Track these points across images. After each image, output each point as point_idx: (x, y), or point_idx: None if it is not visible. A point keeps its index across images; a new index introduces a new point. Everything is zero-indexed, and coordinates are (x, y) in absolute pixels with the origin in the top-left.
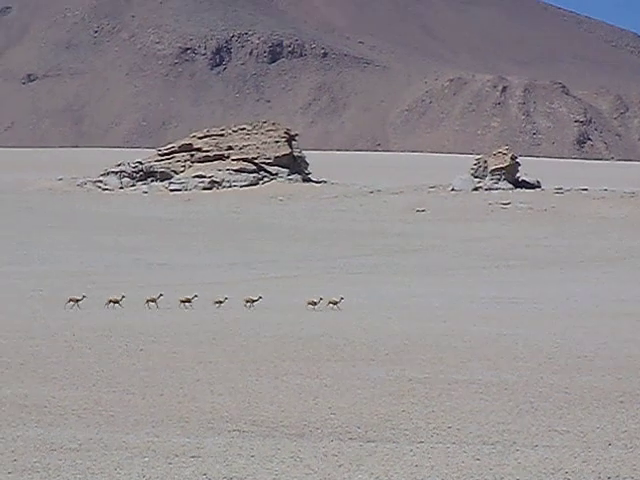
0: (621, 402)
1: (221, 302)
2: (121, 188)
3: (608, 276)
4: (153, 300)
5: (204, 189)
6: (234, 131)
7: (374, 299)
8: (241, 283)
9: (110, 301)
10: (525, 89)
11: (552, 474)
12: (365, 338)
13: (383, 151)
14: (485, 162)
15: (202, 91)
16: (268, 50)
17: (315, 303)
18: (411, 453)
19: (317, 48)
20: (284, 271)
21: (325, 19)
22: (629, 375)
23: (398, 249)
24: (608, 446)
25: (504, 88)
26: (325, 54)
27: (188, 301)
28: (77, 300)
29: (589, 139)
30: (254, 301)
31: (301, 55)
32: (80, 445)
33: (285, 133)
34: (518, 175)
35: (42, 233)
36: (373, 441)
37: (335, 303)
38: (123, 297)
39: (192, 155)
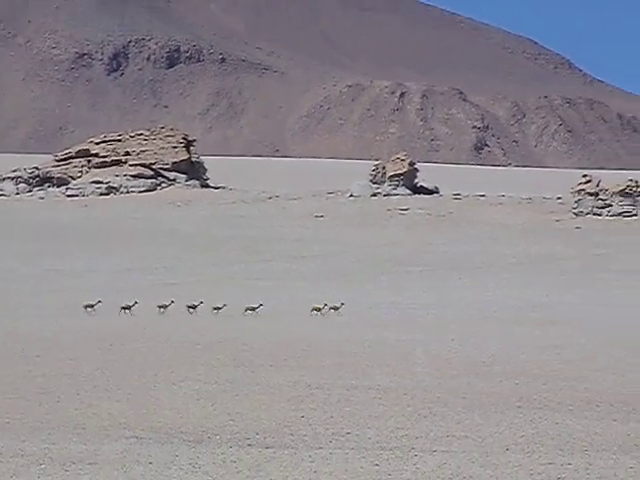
0: (519, 407)
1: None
2: (17, 194)
3: (506, 282)
4: (91, 306)
5: (101, 195)
6: (131, 136)
7: (273, 305)
8: (138, 289)
9: None
10: (423, 95)
11: (450, 479)
12: (264, 344)
13: (281, 157)
14: (383, 168)
15: (99, 96)
16: (166, 55)
17: (319, 309)
18: (310, 459)
19: (215, 54)
20: (183, 277)
21: (223, 25)
22: (526, 380)
23: (297, 255)
24: (506, 451)
25: (402, 94)
26: (223, 60)
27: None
28: None
29: (486, 145)
30: (254, 309)
31: (199, 61)
32: None
33: (183, 139)
34: (416, 181)
35: None
36: (272, 447)
37: (336, 309)
38: None
39: (89, 161)
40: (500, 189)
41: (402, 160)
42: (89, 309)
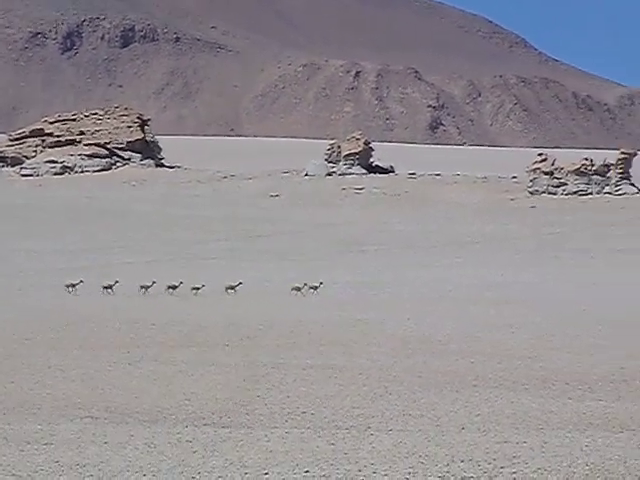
0: (474, 386)
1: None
2: None
3: (461, 261)
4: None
5: (56, 174)
6: (86, 116)
7: (221, 284)
8: (94, 268)
9: None
10: (378, 74)
11: (406, 458)
12: (220, 324)
13: (236, 136)
14: (339, 147)
15: (53, 76)
16: (120, 35)
17: (300, 288)
18: (265, 438)
19: (169, 33)
20: (137, 256)
21: (178, 4)
22: (482, 359)
23: (253, 234)
24: (462, 430)
25: (357, 73)
26: (178, 39)
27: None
28: None
29: (442, 124)
30: (233, 287)
31: (153, 40)
32: None
33: (138, 118)
34: (371, 160)
35: None
36: (227, 427)
37: (315, 288)
38: None
39: (43, 140)
40: (455, 168)
41: (357, 139)
42: (70, 289)
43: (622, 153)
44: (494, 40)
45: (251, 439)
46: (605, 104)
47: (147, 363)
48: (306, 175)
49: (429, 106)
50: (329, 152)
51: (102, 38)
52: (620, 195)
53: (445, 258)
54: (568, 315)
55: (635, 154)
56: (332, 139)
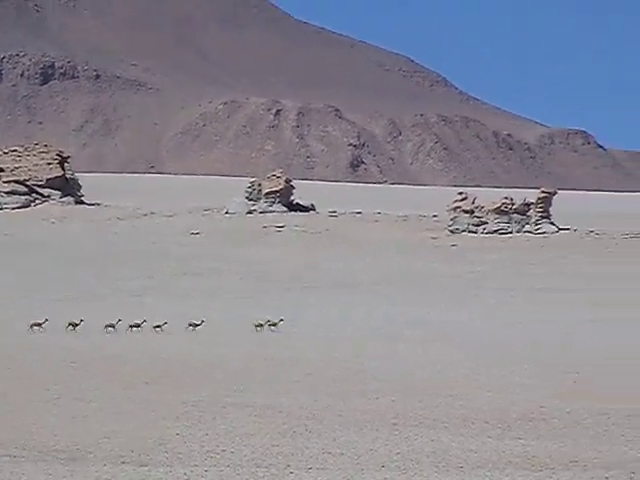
0: (394, 424)
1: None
2: None
3: (383, 299)
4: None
5: None
6: (5, 152)
7: (153, 321)
8: (13, 307)
9: None
10: (299, 112)
11: None
12: (141, 361)
13: (157, 173)
14: (259, 185)
15: None
16: (39, 72)
17: (261, 325)
18: (185, 477)
19: (90, 70)
20: (56, 294)
21: (98, 41)
22: (402, 397)
23: (173, 272)
24: (381, 468)
25: (278, 111)
26: (98, 76)
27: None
28: None
29: (363, 162)
30: (197, 325)
31: (73, 77)
32: None
33: (57, 155)
34: (292, 198)
35: None
36: (146, 465)
37: (274, 325)
38: None
39: None
40: (376, 206)
41: (278, 177)
42: (35, 327)
43: (542, 192)
44: (415, 79)
45: (170, 477)
46: (525, 143)
47: (66, 401)
48: (227, 213)
49: (350, 144)
50: (250, 190)
51: (22, 75)
52: (540, 234)
53: (367, 296)
54: (493, 354)
55: (555, 193)
56: (253, 177)
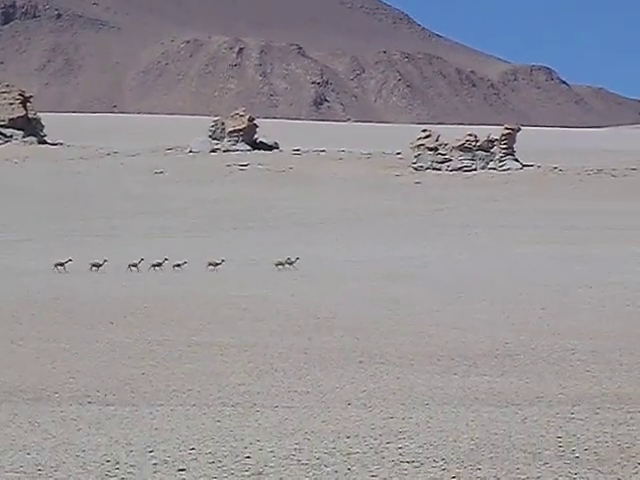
0: (360, 362)
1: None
2: None
3: (347, 237)
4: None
5: None
6: None
7: (113, 261)
8: None
9: None
10: (261, 51)
11: (292, 434)
12: (103, 301)
13: (120, 113)
14: (222, 124)
15: None
16: (0, 12)
17: (282, 264)
18: (151, 416)
19: (51, 9)
20: (19, 234)
21: None
22: (367, 335)
23: (137, 211)
24: (347, 406)
25: (240, 50)
26: (59, 15)
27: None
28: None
29: (326, 100)
30: (217, 264)
31: (34, 16)
32: None
33: (19, 95)
34: (256, 137)
35: None
36: (112, 404)
37: (291, 263)
38: None
39: None
40: (340, 144)
41: (241, 116)
42: (59, 267)
43: (506, 129)
44: (377, 16)
45: (136, 417)
46: (488, 80)
47: (31, 341)
48: (190, 152)
49: (313, 82)
50: (213, 129)
51: None
52: (504, 171)
53: (331, 234)
54: (453, 291)
55: (519, 130)
56: (216, 116)
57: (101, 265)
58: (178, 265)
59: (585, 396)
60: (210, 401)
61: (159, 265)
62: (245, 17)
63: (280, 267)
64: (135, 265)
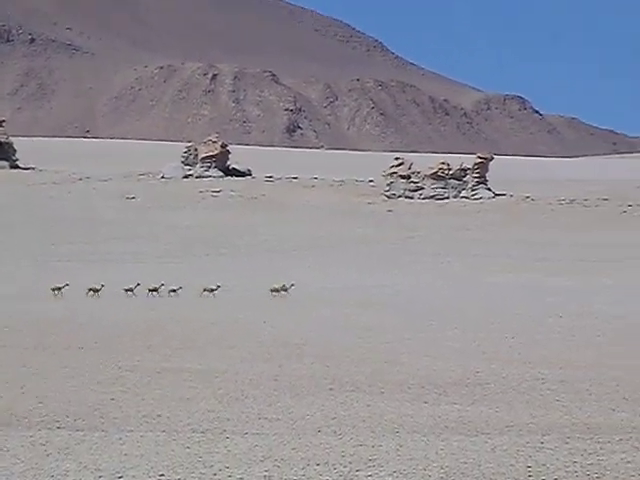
0: (330, 389)
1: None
2: None
3: (319, 264)
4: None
5: None
6: None
7: (84, 287)
8: None
9: None
10: (235, 77)
11: (262, 461)
12: (73, 327)
13: (92, 138)
14: (195, 150)
15: None
16: None
17: (278, 290)
18: (120, 441)
19: (24, 34)
20: None
21: (32, 4)
22: (338, 363)
23: (109, 236)
24: (318, 433)
25: (214, 76)
26: (33, 40)
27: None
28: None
29: (299, 127)
30: (212, 290)
31: (8, 41)
32: None
33: None
34: (229, 163)
35: None
36: (82, 430)
37: (286, 290)
38: None
39: None
40: (313, 172)
41: (214, 142)
42: (56, 292)
43: (479, 158)
44: (351, 44)
45: (106, 442)
46: (462, 108)
47: None
48: (163, 177)
49: (286, 109)
50: (186, 155)
51: None
52: (477, 199)
53: (303, 261)
54: (425, 319)
55: (491, 158)
56: (189, 142)
57: (61, 288)
58: (174, 290)
59: (555, 425)
60: (180, 427)
61: (156, 290)
62: (219, 43)
63: (275, 294)
64: (131, 290)
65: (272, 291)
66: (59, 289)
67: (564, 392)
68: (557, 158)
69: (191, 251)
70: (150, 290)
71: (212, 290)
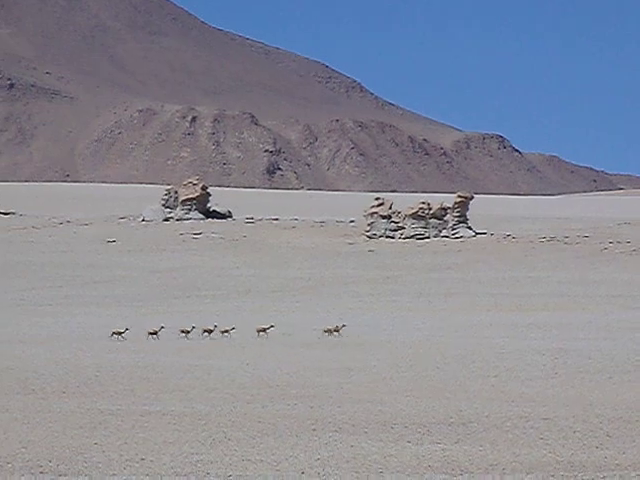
0: (313, 430)
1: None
2: None
3: (300, 305)
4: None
5: None
6: None
7: (65, 331)
8: None
9: None
10: (215, 119)
11: None
12: (55, 371)
13: (73, 182)
14: (176, 192)
15: None
16: None
17: (331, 331)
18: None
19: (3, 79)
20: None
21: (11, 49)
22: (321, 403)
23: (89, 280)
24: (301, 474)
25: (194, 118)
26: (12, 85)
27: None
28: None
29: (279, 169)
30: (265, 330)
31: None
32: None
33: None
34: (209, 205)
35: None
36: (65, 474)
37: (337, 330)
38: None
39: None
40: (293, 213)
41: (194, 184)
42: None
43: (459, 197)
44: (330, 85)
45: None
46: (441, 148)
47: None
48: (143, 220)
49: (266, 151)
50: (166, 197)
51: None
52: (457, 238)
53: (284, 303)
54: (407, 359)
55: (471, 197)
56: (169, 184)
57: (122, 333)
58: (226, 331)
59: (539, 464)
60: (163, 470)
61: (210, 332)
62: (198, 86)
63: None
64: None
65: (325, 332)
66: (120, 334)
67: (547, 430)
68: (537, 196)
69: (172, 294)
70: (205, 331)
71: (265, 330)
